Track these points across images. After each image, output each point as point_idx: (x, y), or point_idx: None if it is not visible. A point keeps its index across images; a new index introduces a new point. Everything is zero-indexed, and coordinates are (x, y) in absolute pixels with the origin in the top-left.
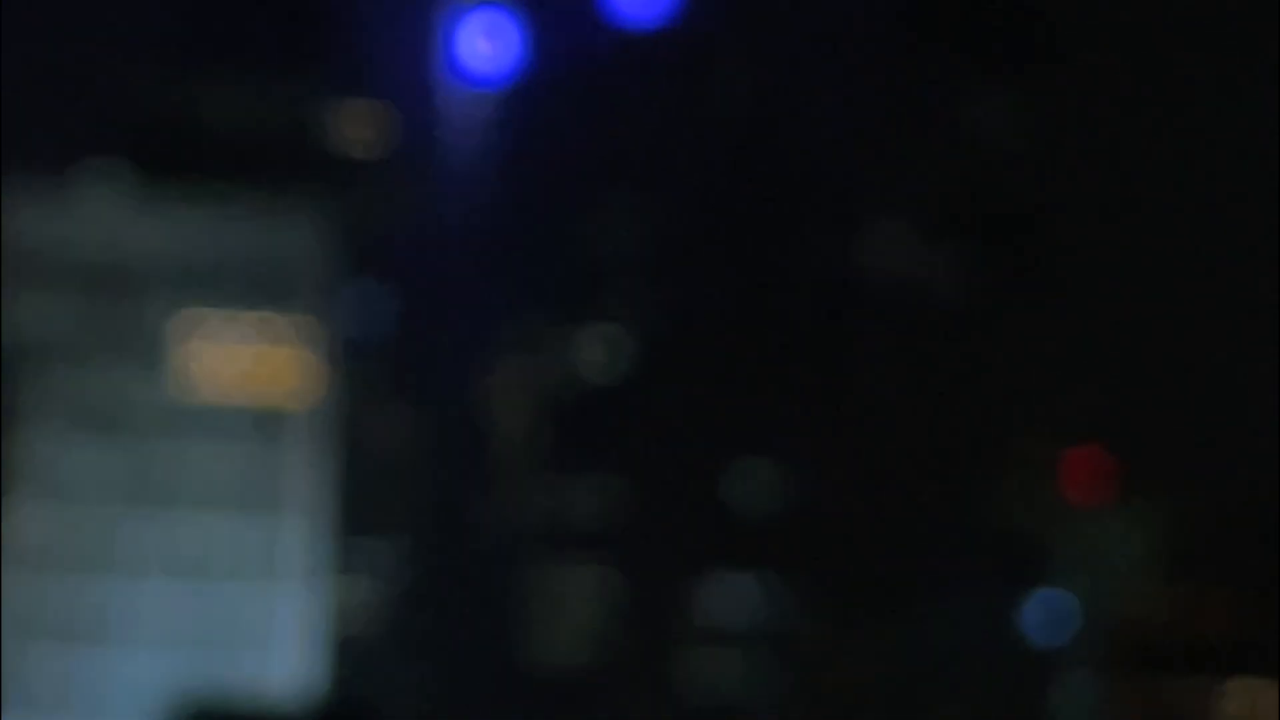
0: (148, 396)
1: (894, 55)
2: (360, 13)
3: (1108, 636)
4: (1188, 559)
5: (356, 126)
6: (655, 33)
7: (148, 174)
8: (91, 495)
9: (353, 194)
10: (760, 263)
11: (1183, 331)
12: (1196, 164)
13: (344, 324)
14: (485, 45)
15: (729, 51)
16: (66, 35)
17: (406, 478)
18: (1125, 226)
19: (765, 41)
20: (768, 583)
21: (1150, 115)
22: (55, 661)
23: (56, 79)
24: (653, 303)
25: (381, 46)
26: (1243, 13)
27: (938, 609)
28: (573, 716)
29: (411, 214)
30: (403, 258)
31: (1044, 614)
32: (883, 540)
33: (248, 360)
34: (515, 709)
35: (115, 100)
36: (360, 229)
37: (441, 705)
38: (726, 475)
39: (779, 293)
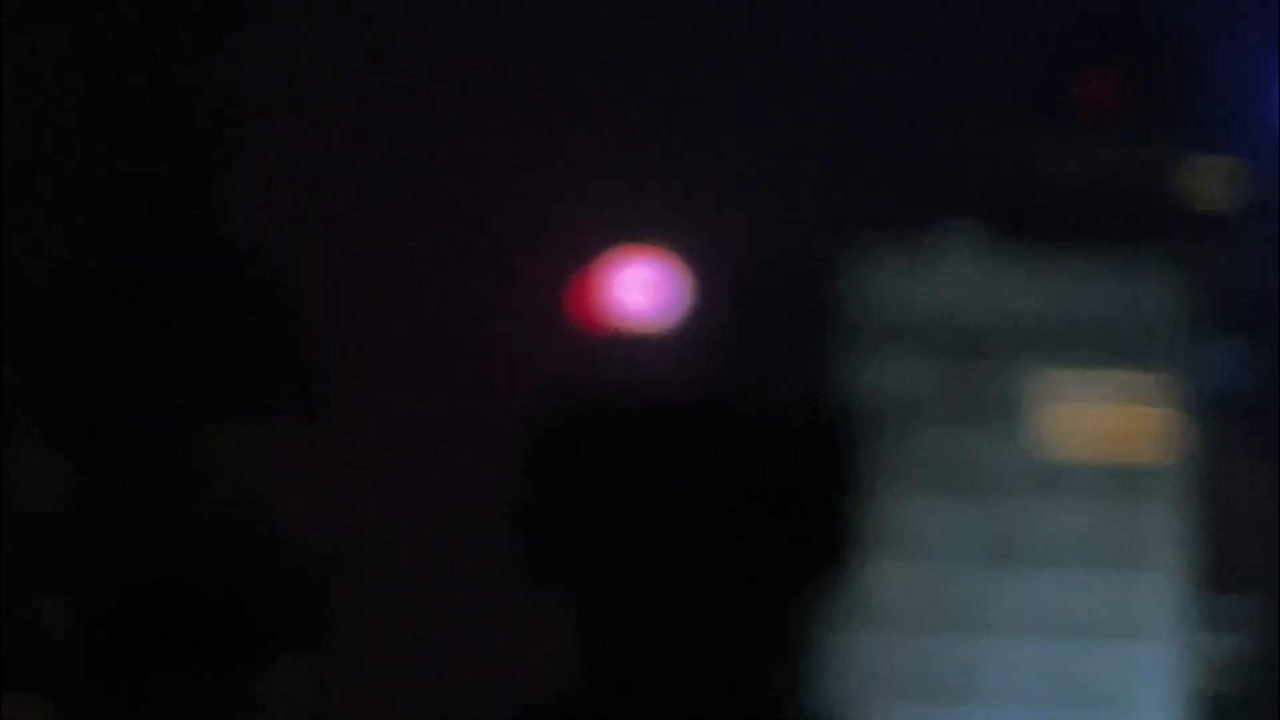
0: (1006, 456)
1: None
2: (1209, 66)
3: None
4: None
5: (1209, 181)
6: None
7: (1003, 234)
8: (952, 555)
9: (1206, 249)
10: None
11: None
12: None
13: (1202, 379)
14: None
15: None
16: (915, 100)
17: (1268, 533)
18: None
19: None
20: None
21: None
22: None
23: (911, 142)
24: None
25: (1231, 100)
26: None
27: None
28: None
29: (1266, 268)
30: (1257, 311)
31: None
32: None
33: (1105, 418)
34: None
35: (969, 161)
36: (1215, 284)
37: None
38: None
39: None
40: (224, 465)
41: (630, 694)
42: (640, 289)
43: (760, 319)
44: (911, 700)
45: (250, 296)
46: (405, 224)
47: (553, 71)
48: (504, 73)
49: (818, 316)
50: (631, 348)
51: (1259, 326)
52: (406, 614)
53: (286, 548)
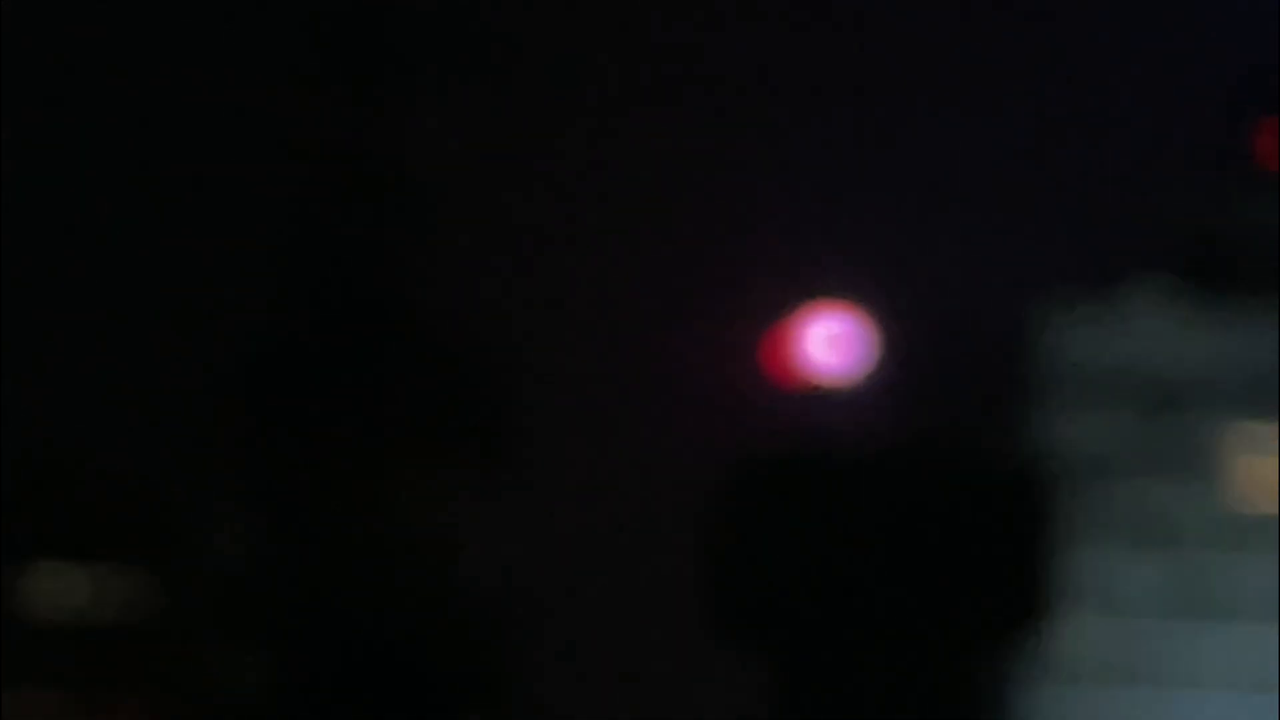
0: (1197, 509)
1: None
2: None
3: None
4: None
5: None
6: None
7: (1192, 287)
8: (1143, 608)
9: None
10: None
11: None
12: None
13: None
14: None
15: None
16: (1102, 155)
17: None
18: None
19: None
20: None
21: None
22: None
23: (1099, 197)
24: None
25: None
26: None
27: None
28: None
29: None
30: None
31: None
32: None
33: None
34: None
35: (1158, 215)
36: None
37: None
38: None
39: None
40: (415, 520)
41: None
42: (831, 345)
43: (951, 374)
44: None
45: (445, 352)
46: (599, 280)
47: (746, 131)
48: (697, 130)
49: (1008, 371)
50: (824, 404)
51: None
52: (595, 665)
53: (477, 601)
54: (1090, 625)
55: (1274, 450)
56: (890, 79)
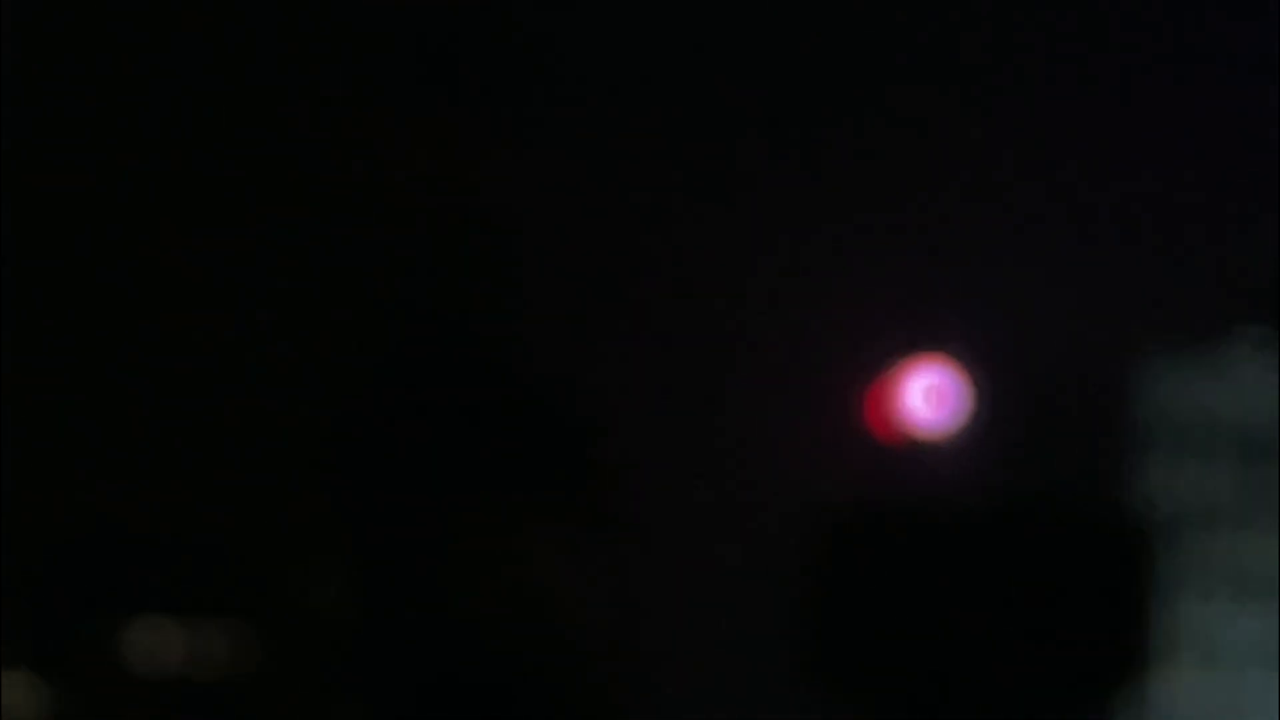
0: None
1: None
2: None
3: None
4: None
5: None
6: None
7: None
8: (1244, 661)
9: None
10: None
11: None
12: None
13: None
14: None
15: None
16: (1200, 207)
17: None
18: None
19: None
20: None
21: None
22: None
23: (1197, 249)
24: None
25: None
26: None
27: None
28: None
29: None
30: None
31: None
32: None
33: None
34: None
35: (1259, 262)
36: None
37: None
38: None
39: None
40: (514, 573)
41: None
42: (929, 398)
43: (1050, 427)
44: None
45: (541, 402)
46: (696, 332)
47: (845, 183)
48: (801, 186)
49: (1107, 423)
50: (923, 457)
51: None
52: (694, 718)
53: (576, 654)
54: (1192, 678)
55: None
56: (990, 133)
